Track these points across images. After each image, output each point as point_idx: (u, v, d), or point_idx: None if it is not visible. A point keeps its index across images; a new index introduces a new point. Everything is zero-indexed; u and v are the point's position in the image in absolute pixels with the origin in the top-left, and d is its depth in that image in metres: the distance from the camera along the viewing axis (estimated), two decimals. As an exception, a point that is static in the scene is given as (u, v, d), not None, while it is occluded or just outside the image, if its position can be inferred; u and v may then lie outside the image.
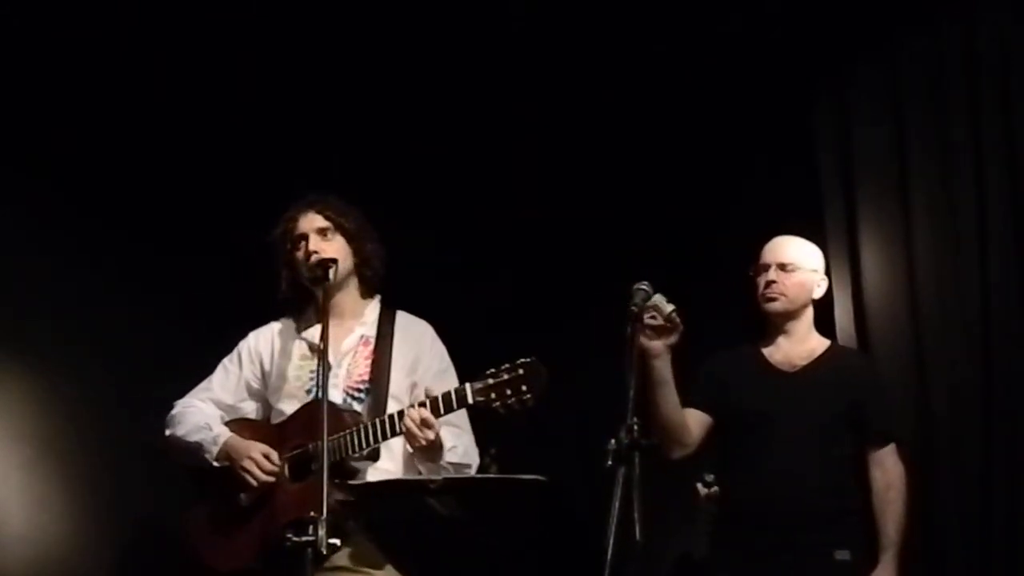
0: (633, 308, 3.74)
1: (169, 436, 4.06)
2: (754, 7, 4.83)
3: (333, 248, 4.02)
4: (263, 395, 4.11)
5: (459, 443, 3.94)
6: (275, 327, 4.16)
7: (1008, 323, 4.43)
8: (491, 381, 3.71)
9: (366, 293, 4.12)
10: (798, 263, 4.30)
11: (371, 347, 4.03)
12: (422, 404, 3.77)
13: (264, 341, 4.13)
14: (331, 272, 3.93)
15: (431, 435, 3.76)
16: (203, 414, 4.04)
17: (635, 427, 3.44)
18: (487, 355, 3.88)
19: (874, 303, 4.72)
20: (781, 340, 4.33)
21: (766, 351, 4.34)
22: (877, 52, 4.80)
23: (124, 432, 4.70)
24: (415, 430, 3.74)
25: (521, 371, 3.68)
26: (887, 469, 4.19)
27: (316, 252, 3.98)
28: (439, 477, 3.80)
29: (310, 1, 4.94)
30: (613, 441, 3.42)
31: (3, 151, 4.65)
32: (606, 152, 5.18)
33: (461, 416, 3.97)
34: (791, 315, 4.31)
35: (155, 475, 4.58)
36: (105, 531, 4.75)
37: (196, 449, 3.98)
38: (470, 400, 3.73)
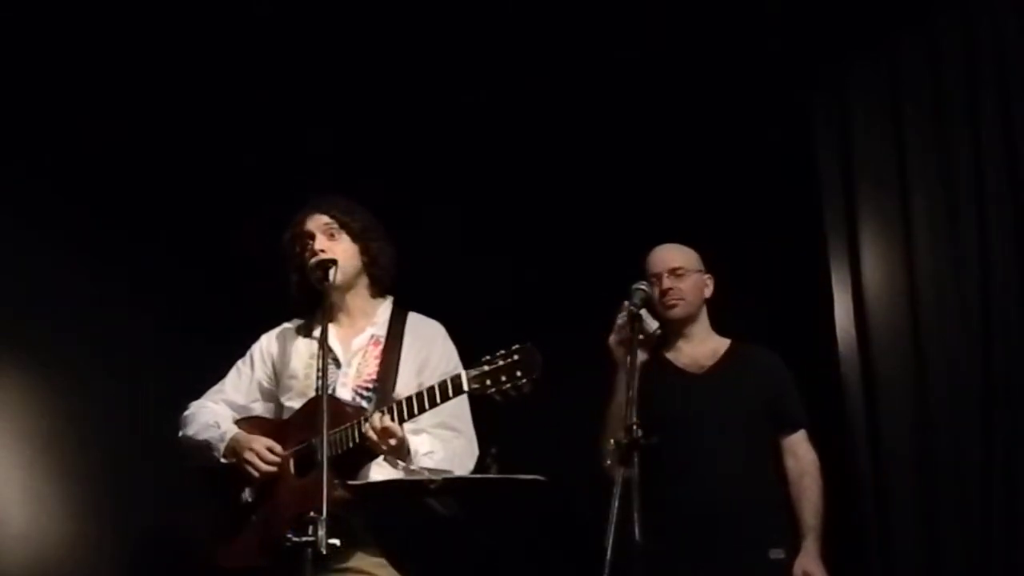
0: (632, 308, 3.74)
1: (181, 436, 4.06)
2: (754, 7, 4.83)
3: (339, 248, 4.00)
4: (275, 395, 4.09)
5: (440, 449, 3.89)
6: (286, 328, 4.16)
7: (1008, 323, 4.43)
8: (486, 368, 3.63)
9: (376, 293, 4.09)
10: (687, 266, 4.36)
11: (381, 347, 4.02)
12: (409, 400, 3.73)
13: (275, 342, 4.14)
14: (331, 272, 3.93)
15: (393, 443, 3.75)
16: (213, 413, 4.04)
17: (635, 427, 3.45)
18: (485, 354, 3.87)
19: (874, 303, 4.72)
20: (681, 344, 4.37)
21: (670, 356, 4.36)
22: (876, 52, 4.81)
23: (124, 432, 4.70)
24: (374, 438, 3.71)
25: (516, 356, 3.60)
26: (800, 456, 4.23)
27: (321, 251, 3.98)
28: (439, 477, 3.79)
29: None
30: (613, 441, 3.42)
31: (3, 151, 4.64)
32: (606, 152, 5.18)
33: (461, 418, 3.95)
34: (691, 318, 4.35)
35: (155, 475, 4.59)
36: (105, 531, 4.74)
37: (205, 447, 3.97)
38: (466, 388, 3.64)
